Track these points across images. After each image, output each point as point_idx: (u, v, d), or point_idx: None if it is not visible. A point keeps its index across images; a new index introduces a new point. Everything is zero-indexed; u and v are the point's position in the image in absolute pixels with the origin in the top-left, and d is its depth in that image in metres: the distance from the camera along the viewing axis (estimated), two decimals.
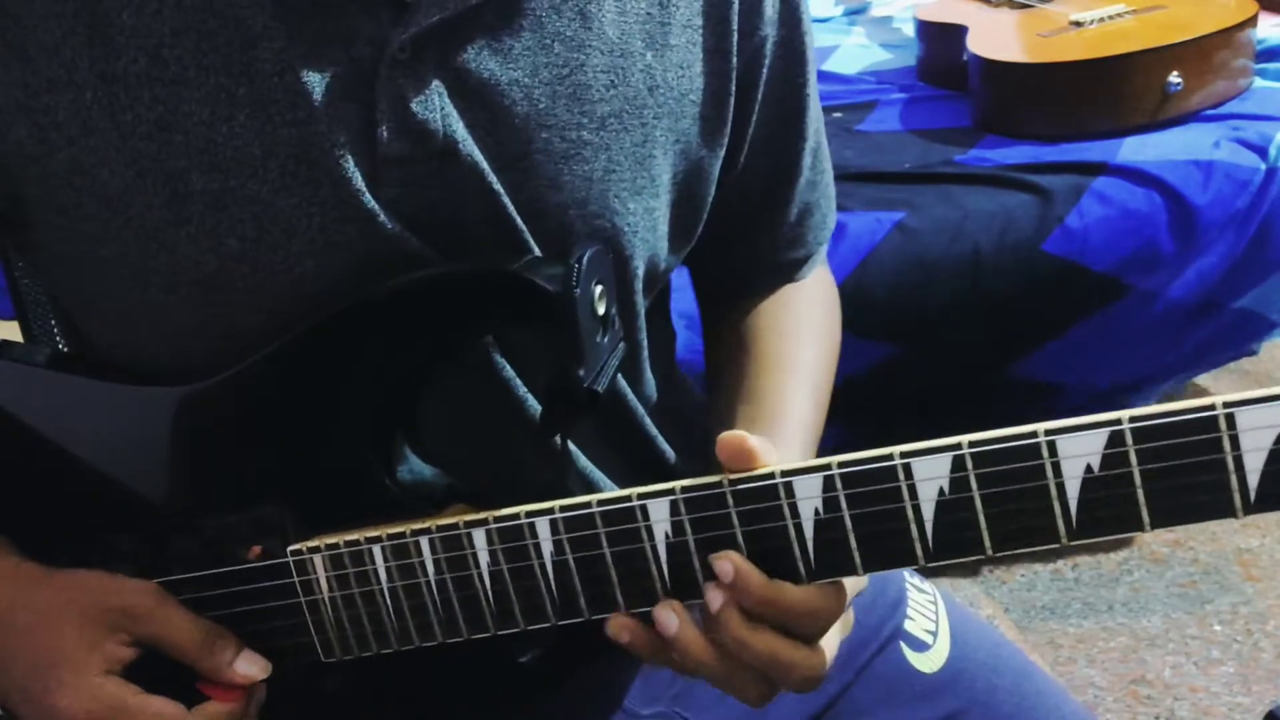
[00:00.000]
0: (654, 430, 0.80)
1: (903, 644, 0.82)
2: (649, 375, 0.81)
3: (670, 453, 0.82)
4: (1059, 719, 0.81)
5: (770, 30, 0.76)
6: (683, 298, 0.89)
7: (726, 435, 0.59)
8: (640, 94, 0.69)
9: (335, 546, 0.64)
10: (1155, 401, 2.05)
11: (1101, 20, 1.95)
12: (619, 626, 0.61)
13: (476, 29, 0.65)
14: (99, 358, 0.72)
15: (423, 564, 0.63)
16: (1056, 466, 0.53)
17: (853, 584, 0.62)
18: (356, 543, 0.64)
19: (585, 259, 0.61)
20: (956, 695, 0.81)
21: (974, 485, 0.55)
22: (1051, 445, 0.53)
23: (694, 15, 0.72)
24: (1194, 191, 1.72)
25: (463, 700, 0.71)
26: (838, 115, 2.06)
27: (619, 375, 0.75)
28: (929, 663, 0.82)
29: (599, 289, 0.62)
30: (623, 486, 0.77)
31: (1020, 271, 1.71)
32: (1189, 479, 0.52)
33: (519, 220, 0.66)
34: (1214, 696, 1.68)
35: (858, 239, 1.68)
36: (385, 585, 0.64)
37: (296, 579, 0.66)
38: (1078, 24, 1.96)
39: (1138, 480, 0.53)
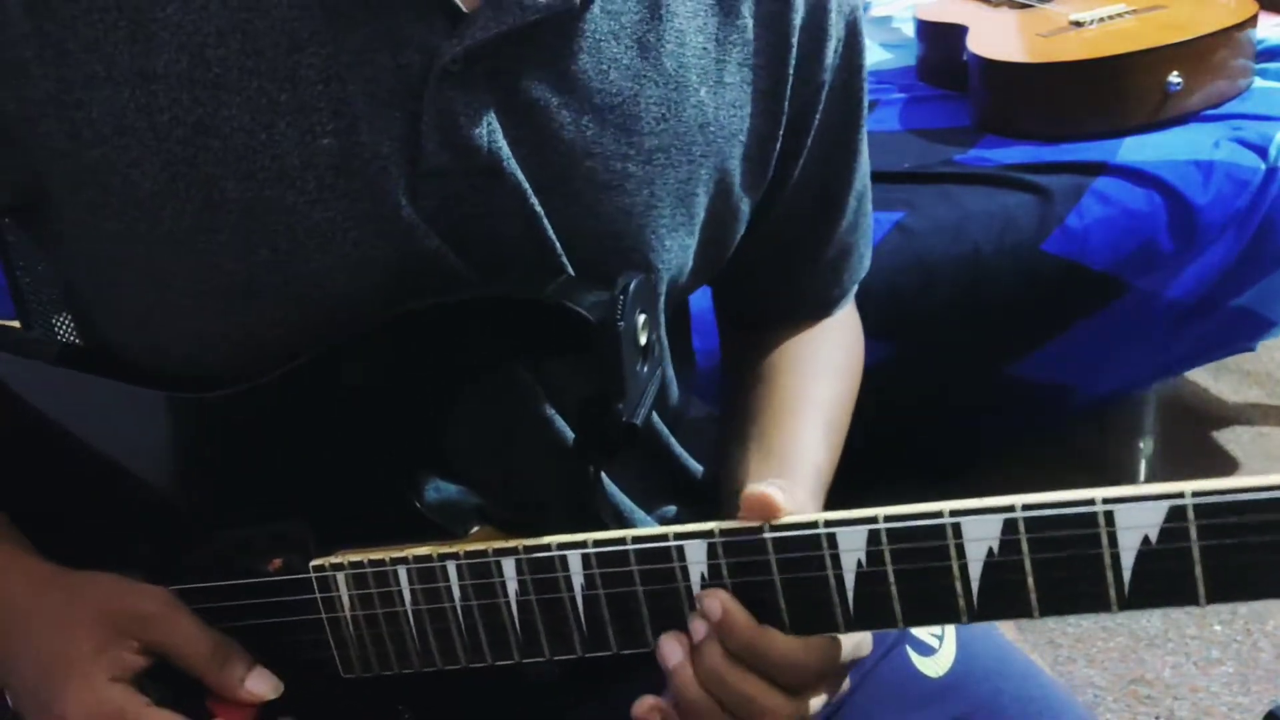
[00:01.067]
0: (679, 449, 0.80)
1: (908, 647, 0.82)
2: (674, 389, 0.80)
3: (696, 466, 0.81)
4: None
5: (829, 76, 0.74)
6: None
7: (750, 489, 0.58)
8: (691, 130, 0.68)
9: (359, 565, 0.63)
10: (1150, 396, 2.05)
11: (1101, 20, 1.95)
12: (649, 708, 0.61)
13: (532, 48, 0.63)
14: (113, 355, 0.71)
15: (449, 589, 0.62)
16: (1113, 537, 0.52)
17: (853, 645, 0.62)
18: (381, 563, 0.63)
19: (631, 288, 0.59)
20: (962, 699, 0.80)
21: (1025, 549, 0.54)
22: (1109, 515, 0.52)
23: (749, 55, 0.70)
24: (1194, 191, 1.72)
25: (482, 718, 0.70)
26: None
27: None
28: (934, 666, 0.81)
29: (642, 318, 0.60)
30: (646, 503, 0.77)
31: (1020, 271, 1.71)
32: (1250, 558, 0.51)
33: (557, 245, 0.65)
34: (1213, 696, 1.68)
35: None
36: (410, 607, 0.63)
37: (319, 595, 0.65)
38: (1078, 24, 1.96)
39: (1196, 555, 0.51)
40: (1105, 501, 0.52)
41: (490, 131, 0.62)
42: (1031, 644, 1.78)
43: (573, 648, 0.62)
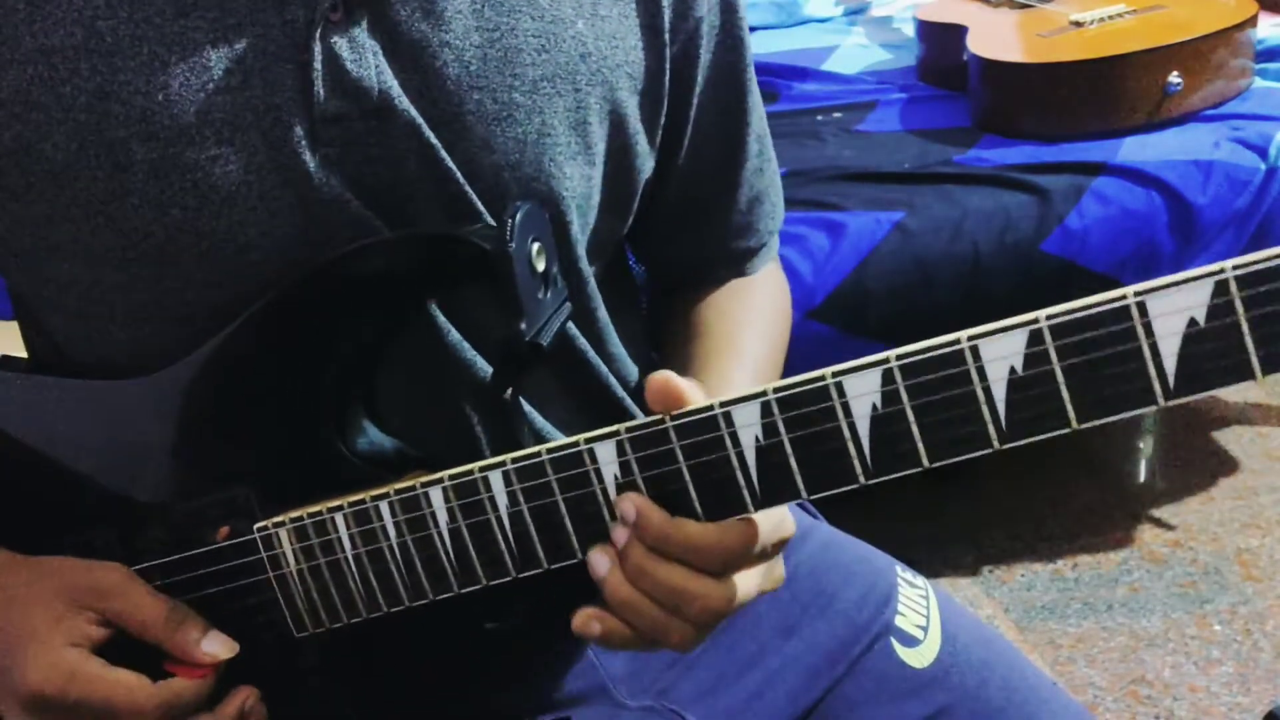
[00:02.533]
0: (620, 391, 0.81)
1: (893, 639, 0.82)
2: (617, 347, 0.82)
3: (639, 413, 0.82)
4: (1049, 713, 0.81)
5: (706, 14, 0.78)
6: None
7: (653, 376, 0.60)
8: (572, 60, 0.71)
9: (299, 520, 0.66)
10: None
11: (1101, 20, 1.96)
12: (586, 618, 0.62)
13: None
14: (63, 357, 0.73)
15: (384, 528, 0.64)
16: (981, 370, 0.54)
17: (772, 526, 0.63)
18: (319, 514, 0.65)
19: (518, 215, 0.62)
20: (947, 690, 0.81)
21: (905, 398, 0.55)
22: (975, 350, 0.54)
23: None
24: (1194, 191, 1.72)
25: (439, 678, 0.72)
26: (838, 115, 2.06)
27: (579, 335, 0.76)
28: (919, 658, 0.82)
29: (535, 245, 0.63)
30: None
31: (1020, 271, 1.71)
32: (1109, 370, 0.52)
33: (459, 176, 0.68)
34: (1213, 696, 1.68)
35: (857, 239, 1.69)
36: (350, 553, 0.65)
37: (264, 554, 0.67)
38: (1078, 24, 1.96)
39: (1060, 377, 0.53)
40: (970, 339, 0.54)
41: (379, 72, 0.65)
42: (1031, 644, 1.78)
43: (506, 569, 0.63)
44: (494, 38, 0.69)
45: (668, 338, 0.87)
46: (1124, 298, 0.51)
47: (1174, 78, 1.80)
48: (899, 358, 0.55)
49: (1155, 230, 1.72)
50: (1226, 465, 2.13)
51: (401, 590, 0.65)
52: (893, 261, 1.68)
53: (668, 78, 0.76)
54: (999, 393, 0.54)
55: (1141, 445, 2.09)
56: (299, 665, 0.70)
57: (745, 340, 0.84)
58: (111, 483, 0.70)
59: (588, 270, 0.76)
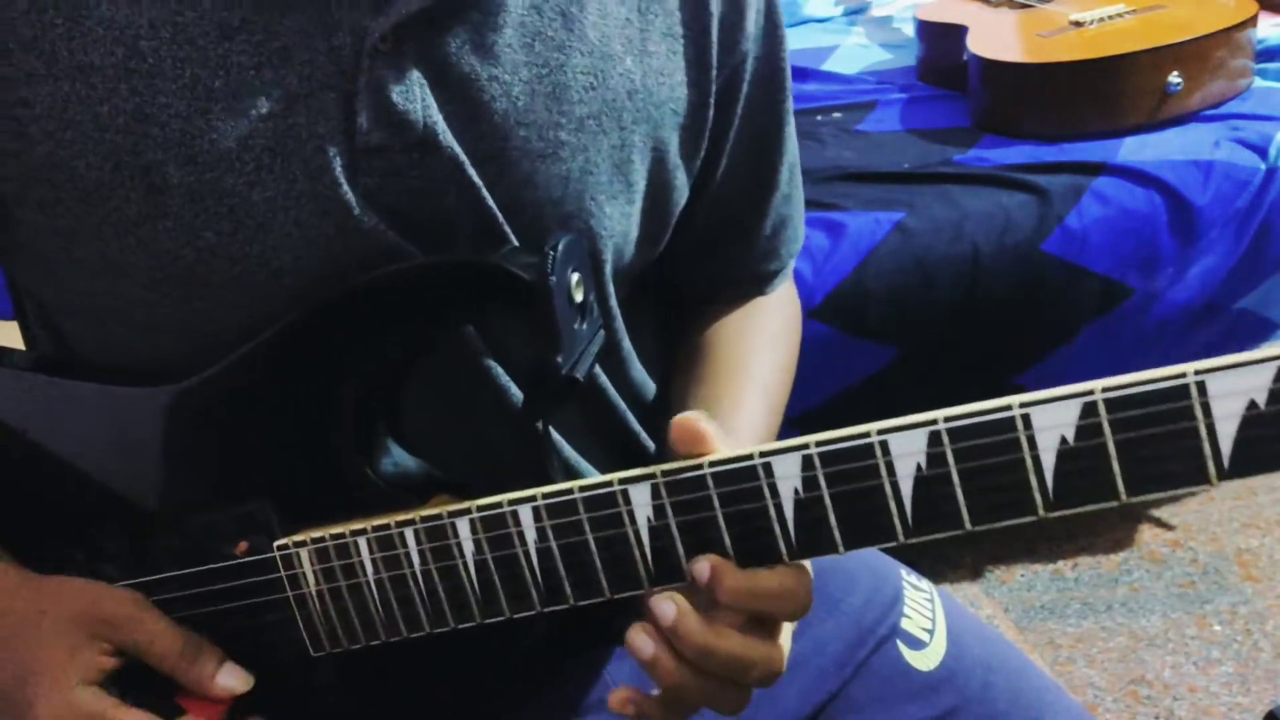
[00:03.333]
0: (636, 424, 0.81)
1: (899, 642, 0.82)
2: (637, 371, 0.81)
3: (650, 444, 0.82)
4: (1053, 715, 0.81)
5: (752, 47, 0.77)
6: None
7: (679, 417, 0.59)
8: (619, 97, 0.70)
9: (321, 540, 0.65)
10: None
11: (1101, 20, 1.95)
12: (623, 701, 0.61)
13: (458, 22, 0.65)
14: (77, 359, 0.72)
15: (408, 555, 0.63)
16: (1031, 439, 0.53)
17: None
18: (342, 536, 0.64)
19: (560, 246, 0.61)
20: (952, 692, 0.81)
21: (951, 460, 0.55)
22: (1026, 418, 0.53)
23: (674, 25, 0.73)
24: (1194, 191, 1.72)
25: (455, 695, 0.71)
26: (837, 115, 2.06)
27: (598, 368, 0.76)
28: (925, 660, 0.82)
29: (575, 276, 0.63)
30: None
31: (1020, 272, 1.71)
32: (1162, 448, 0.52)
33: (499, 214, 0.67)
34: (1213, 696, 1.68)
35: (857, 239, 1.69)
36: (371, 577, 0.64)
37: (284, 574, 0.66)
38: (1078, 24, 1.96)
39: (1112, 450, 0.52)
40: (1022, 405, 0.53)
41: (424, 106, 0.64)
42: (1031, 644, 1.78)
43: (531, 604, 0.62)
44: (543, 74, 0.67)
45: (678, 355, 0.87)
46: (1183, 375, 0.51)
47: (1174, 78, 1.80)
48: (947, 419, 0.54)
49: (1155, 230, 1.72)
50: None
51: (423, 617, 0.64)
52: (893, 262, 1.68)
53: (711, 111, 0.76)
54: (1048, 461, 0.53)
55: None
56: (314, 683, 0.69)
57: (755, 361, 0.83)
58: (125, 489, 0.69)
59: (615, 304, 0.76)
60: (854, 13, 2.62)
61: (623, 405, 0.79)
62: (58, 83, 0.62)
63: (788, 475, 0.57)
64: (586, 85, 0.69)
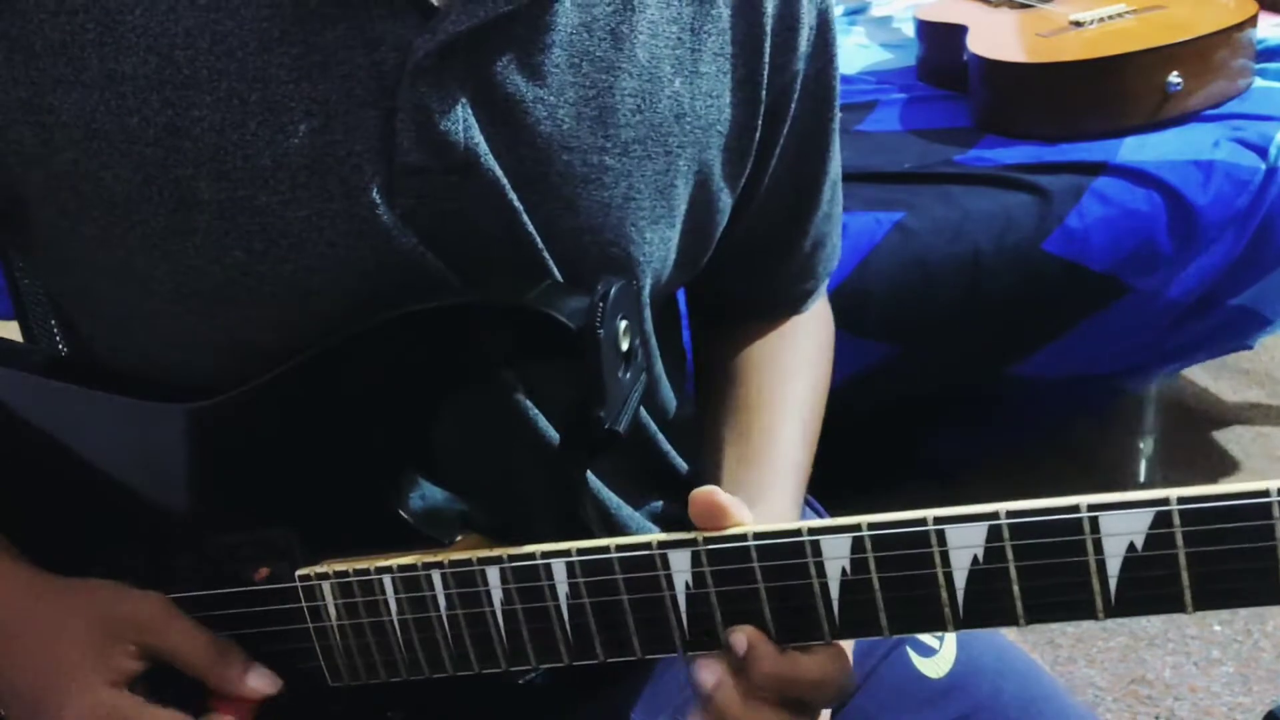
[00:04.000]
0: (666, 445, 0.79)
1: (909, 649, 0.82)
2: (666, 391, 0.80)
3: (682, 465, 0.81)
4: None
5: (803, 65, 0.74)
6: None
7: (698, 492, 0.58)
8: (667, 121, 0.67)
9: (344, 574, 0.63)
10: (1151, 396, 2.05)
11: (1101, 20, 1.95)
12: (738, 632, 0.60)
13: (505, 41, 0.63)
14: (100, 364, 0.71)
15: (434, 598, 0.62)
16: (1098, 544, 0.52)
17: (848, 646, 0.61)
18: (366, 572, 0.63)
19: (611, 295, 0.59)
20: (962, 700, 0.80)
21: (1010, 556, 0.53)
22: (1094, 522, 0.51)
23: (725, 44, 0.70)
24: (1194, 191, 1.72)
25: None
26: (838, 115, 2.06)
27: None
28: (935, 668, 0.81)
29: (623, 324, 0.60)
30: (633, 501, 0.76)
31: (1020, 272, 1.71)
32: (1237, 564, 0.50)
33: (538, 241, 0.65)
34: (1214, 696, 1.68)
35: (857, 239, 1.68)
36: (395, 617, 0.63)
37: (305, 604, 0.65)
38: (1078, 24, 1.96)
39: (1183, 562, 0.51)
40: (1090, 509, 0.51)
41: (466, 127, 0.62)
42: (1031, 644, 1.78)
43: (559, 656, 0.61)
44: (590, 95, 0.65)
45: (710, 377, 0.85)
46: (1267, 494, 0.49)
47: (1174, 78, 1.80)
48: (1009, 515, 0.53)
49: (1156, 230, 1.72)
50: (1226, 465, 2.13)
51: (446, 660, 0.63)
52: (893, 261, 1.68)
53: (759, 132, 0.73)
54: (1113, 568, 0.52)
55: (1141, 445, 2.08)
56: (331, 712, 0.68)
57: (789, 386, 0.81)
58: (147, 504, 0.68)
59: (650, 327, 0.74)
60: (854, 13, 2.62)
61: (653, 427, 0.78)
62: (86, 91, 0.60)
63: (836, 555, 0.56)
64: (634, 108, 0.66)
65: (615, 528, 0.75)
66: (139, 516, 0.68)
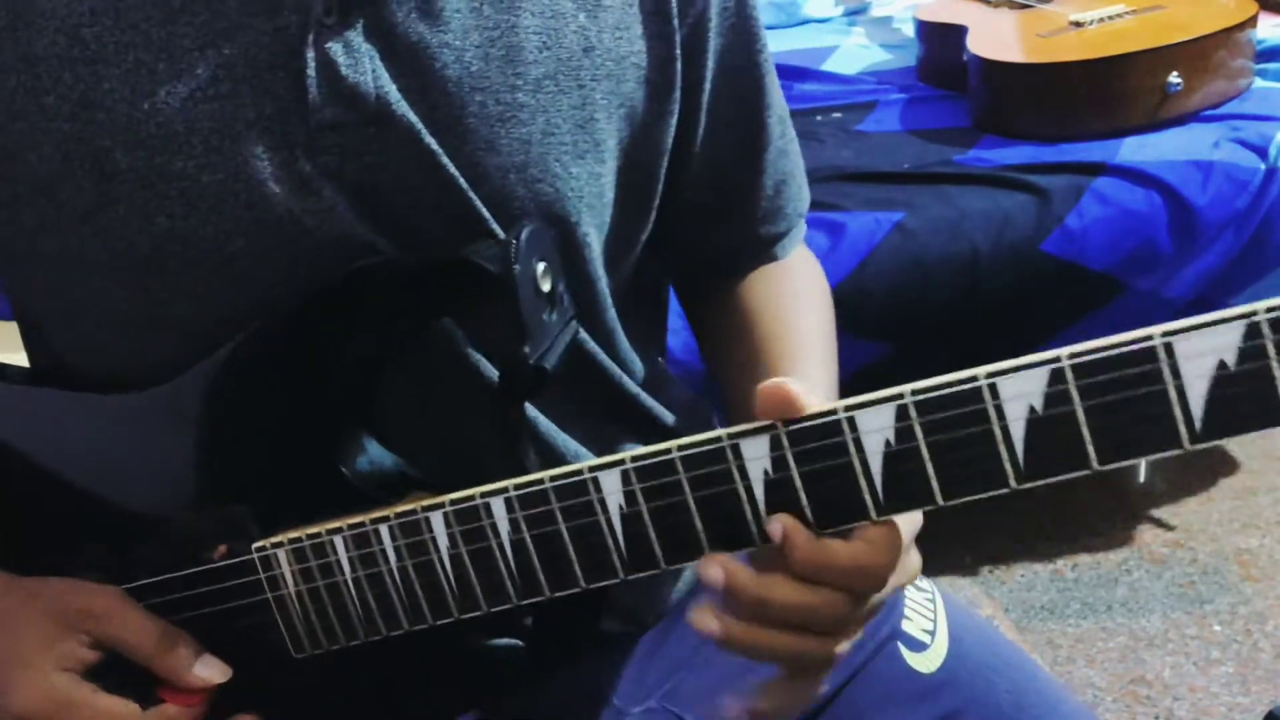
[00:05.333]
0: (648, 399, 0.80)
1: (900, 644, 0.82)
2: (625, 349, 0.80)
3: (667, 414, 0.81)
4: (1058, 717, 0.81)
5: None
6: None
7: (764, 385, 0.56)
8: (575, 55, 0.69)
9: (298, 541, 0.65)
10: None
11: (1101, 20, 1.95)
12: (711, 564, 0.58)
13: None
14: (62, 365, 0.72)
15: (384, 552, 0.63)
16: (1000, 410, 0.53)
17: (910, 523, 0.60)
18: (318, 535, 0.64)
19: (524, 235, 0.62)
20: (954, 695, 0.80)
21: (919, 435, 0.54)
22: (993, 388, 0.52)
23: None
24: (1194, 192, 1.72)
25: (442, 694, 0.71)
26: (837, 115, 2.06)
27: (590, 339, 0.75)
28: (926, 663, 0.81)
29: (541, 265, 0.63)
30: (603, 447, 0.77)
31: (1019, 272, 1.71)
32: (1132, 413, 0.51)
33: (462, 183, 0.66)
34: (1213, 696, 1.68)
35: (856, 239, 1.69)
36: (349, 576, 0.64)
37: (263, 575, 0.66)
38: (1078, 24, 1.96)
39: (1081, 417, 0.52)
40: (988, 375, 0.52)
41: (375, 77, 0.64)
42: (1031, 644, 1.78)
43: (508, 596, 0.62)
44: (494, 36, 0.67)
45: (713, 335, 0.85)
46: (1150, 338, 0.50)
47: (1174, 78, 1.80)
48: (914, 393, 0.54)
49: (1155, 230, 1.72)
50: (1226, 465, 2.13)
51: (401, 614, 0.64)
52: (892, 262, 1.68)
53: (679, 64, 0.74)
54: (1018, 431, 0.53)
55: None
56: (297, 685, 0.69)
57: (800, 322, 0.81)
58: (109, 497, 0.69)
59: (603, 279, 0.75)
60: (854, 13, 2.62)
61: (627, 380, 0.78)
62: (5, 75, 0.63)
63: (757, 456, 0.56)
64: (540, 45, 0.68)
65: None
66: (101, 507, 0.69)
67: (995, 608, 1.86)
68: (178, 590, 0.68)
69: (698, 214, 0.81)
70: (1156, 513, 2.03)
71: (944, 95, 2.09)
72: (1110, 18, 1.96)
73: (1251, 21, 1.88)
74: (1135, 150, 1.78)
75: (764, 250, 0.86)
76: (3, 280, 0.74)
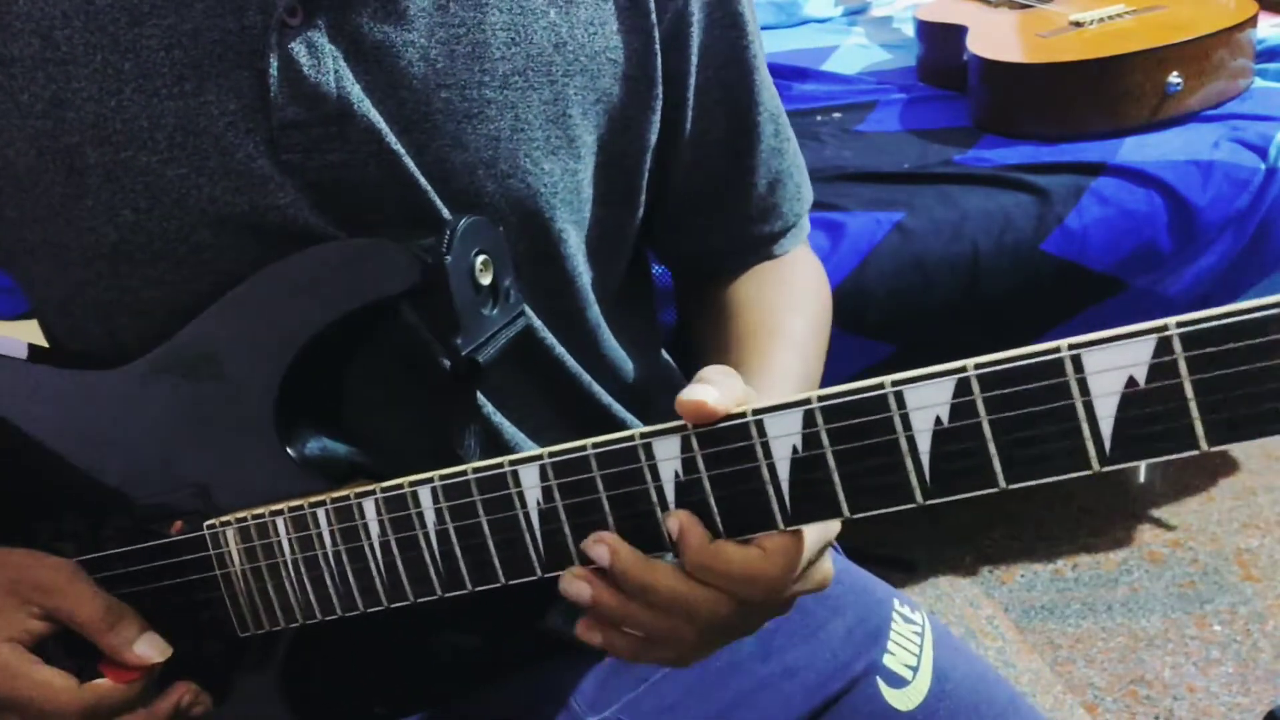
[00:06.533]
0: (611, 400, 0.80)
1: (879, 679, 0.80)
2: (609, 346, 0.80)
3: (628, 418, 0.81)
4: None
5: None
6: None
7: (684, 397, 0.55)
8: (545, 51, 0.70)
9: (244, 520, 0.66)
10: None
11: (1101, 20, 1.96)
12: (572, 579, 0.59)
13: None
14: (59, 347, 0.75)
15: (320, 536, 0.64)
16: (906, 419, 0.51)
17: (819, 533, 0.60)
18: (261, 516, 0.66)
19: (459, 228, 0.63)
20: None
21: (825, 442, 0.53)
22: (899, 397, 0.51)
23: None
24: (1194, 192, 1.72)
25: (393, 689, 0.72)
26: (837, 115, 2.06)
27: (555, 340, 0.75)
28: (906, 700, 0.79)
29: (481, 258, 0.64)
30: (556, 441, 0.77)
31: (1019, 272, 1.71)
32: (1040, 428, 0.49)
33: (423, 182, 0.67)
34: (1213, 697, 1.68)
35: (857, 239, 1.69)
36: (289, 557, 0.66)
37: (211, 552, 0.68)
38: (1077, 24, 1.96)
39: (987, 432, 0.50)
40: (894, 383, 0.51)
41: (338, 78, 0.65)
42: (1030, 644, 1.78)
43: (432, 587, 0.63)
44: (460, 33, 0.68)
45: (697, 325, 0.85)
46: (1058, 350, 0.48)
47: (1174, 78, 1.80)
48: (821, 399, 0.53)
49: (1155, 230, 1.72)
50: (1226, 465, 2.13)
51: (334, 599, 0.65)
52: (892, 262, 1.68)
53: (659, 58, 0.74)
54: (923, 443, 0.51)
55: None
56: (243, 663, 0.70)
57: (785, 321, 0.80)
58: (84, 470, 0.71)
59: (580, 269, 0.75)
60: (854, 13, 2.62)
61: (585, 376, 0.78)
62: None
63: (668, 456, 0.56)
64: (507, 41, 0.69)
65: None
66: (77, 480, 0.71)
67: (995, 608, 1.86)
68: (136, 563, 0.70)
69: (690, 210, 0.81)
70: (1156, 513, 2.03)
71: (944, 95, 2.09)
72: (1110, 18, 1.96)
73: (1251, 21, 1.88)
74: (1135, 150, 1.78)
75: (759, 249, 0.85)
76: (12, 272, 0.76)
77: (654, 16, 0.73)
